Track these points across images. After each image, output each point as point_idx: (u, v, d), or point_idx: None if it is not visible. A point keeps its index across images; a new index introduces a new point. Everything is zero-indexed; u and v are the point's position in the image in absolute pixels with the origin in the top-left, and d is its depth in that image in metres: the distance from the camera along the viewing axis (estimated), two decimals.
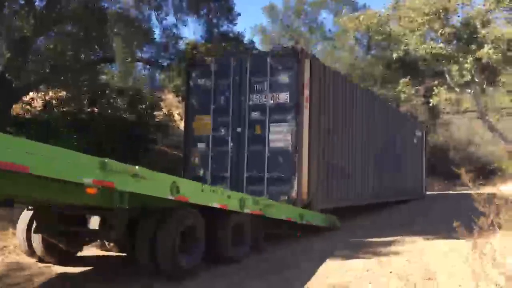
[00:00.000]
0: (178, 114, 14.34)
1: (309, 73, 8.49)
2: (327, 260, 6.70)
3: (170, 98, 16.21)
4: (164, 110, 14.85)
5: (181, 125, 14.55)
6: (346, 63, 23.28)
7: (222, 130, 8.96)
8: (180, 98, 14.11)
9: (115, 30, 11.69)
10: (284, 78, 8.50)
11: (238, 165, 8.76)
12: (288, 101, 8.42)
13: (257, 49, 15.70)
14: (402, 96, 21.17)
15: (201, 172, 9.08)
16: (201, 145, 9.17)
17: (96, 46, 12.92)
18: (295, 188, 8.23)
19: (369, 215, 10.90)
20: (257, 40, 29.06)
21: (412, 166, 15.54)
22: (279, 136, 8.47)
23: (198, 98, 9.31)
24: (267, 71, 8.61)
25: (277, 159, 8.44)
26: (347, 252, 7.19)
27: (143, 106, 14.00)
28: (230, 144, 8.84)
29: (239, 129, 8.80)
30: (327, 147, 9.19)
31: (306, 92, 8.44)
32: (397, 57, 19.98)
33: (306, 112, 8.43)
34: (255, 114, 8.70)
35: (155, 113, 14.24)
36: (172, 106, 15.71)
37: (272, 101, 8.56)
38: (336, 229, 8.87)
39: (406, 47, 19.42)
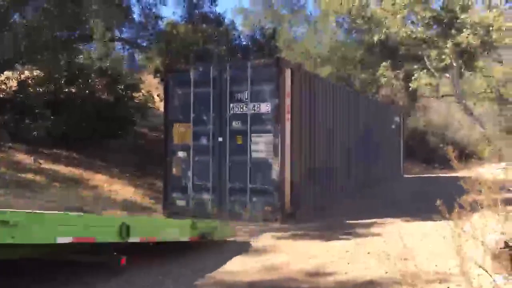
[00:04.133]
0: (158, 95, 14.16)
1: (290, 82, 8.44)
2: (309, 241, 6.77)
3: (149, 79, 15.98)
4: (144, 91, 14.63)
5: (161, 107, 14.42)
6: (327, 46, 23.25)
7: (203, 139, 8.88)
8: (159, 79, 13.94)
9: (93, 7, 11.42)
10: (265, 87, 8.41)
11: (221, 175, 8.71)
12: (269, 111, 8.35)
13: (237, 30, 15.60)
14: (382, 80, 21.32)
15: (183, 182, 9.00)
16: (181, 154, 9.07)
17: (73, 24, 12.61)
18: (278, 199, 8.22)
19: (349, 199, 11.02)
20: (238, 21, 28.84)
21: (391, 151, 15.94)
22: (261, 146, 8.42)
23: (177, 106, 9.15)
24: (248, 81, 8.51)
25: (259, 169, 8.40)
26: (327, 233, 7.27)
27: (122, 87, 13.76)
28: (212, 154, 8.77)
29: (220, 139, 8.72)
30: (309, 154, 9.22)
31: (288, 101, 8.39)
32: (378, 40, 20.04)
33: (287, 122, 8.40)
34: (236, 124, 8.61)
35: (134, 94, 14.02)
36: (151, 87, 15.49)
37: (253, 111, 8.48)
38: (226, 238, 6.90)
39: (387, 30, 19.48)
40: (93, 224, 4.28)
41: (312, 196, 9.37)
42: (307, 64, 20.28)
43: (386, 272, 4.98)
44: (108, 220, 4.86)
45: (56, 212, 5.25)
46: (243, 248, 6.37)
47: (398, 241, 6.59)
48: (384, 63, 21.10)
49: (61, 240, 3.84)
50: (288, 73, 8.45)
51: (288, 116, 8.41)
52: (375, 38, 20.04)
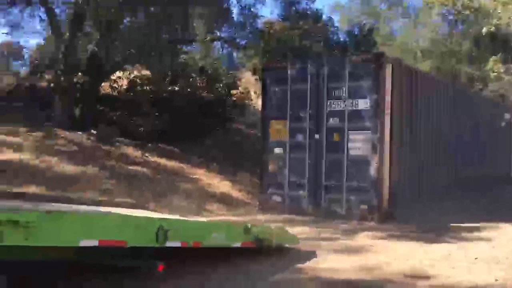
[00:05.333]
0: (255, 92, 14.46)
1: (390, 78, 8.19)
2: (407, 242, 6.54)
3: (247, 76, 16.36)
4: (241, 89, 15.02)
5: (258, 103, 14.71)
6: (428, 40, 22.15)
7: (299, 136, 8.88)
8: (257, 77, 14.21)
9: (196, 10, 11.97)
10: (363, 83, 8.23)
11: (316, 173, 8.66)
12: (368, 108, 8.16)
13: (335, 26, 15.42)
14: (491, 74, 19.86)
15: (279, 178, 9.07)
16: (277, 151, 9.14)
17: (177, 27, 13.31)
18: (376, 197, 8.02)
19: (453, 200, 10.43)
20: (335, 18, 28.44)
21: (499, 150, 14.81)
22: (359, 143, 8.26)
23: (274, 103, 9.24)
24: (346, 77, 8.38)
25: (357, 167, 8.24)
26: (428, 235, 6.96)
27: (221, 85, 14.25)
28: (308, 150, 8.75)
29: (317, 136, 8.67)
30: (409, 152, 8.89)
31: (387, 97, 8.15)
32: (487, 32, 18.69)
33: (387, 119, 8.15)
34: (333, 121, 8.52)
35: (232, 92, 14.45)
36: (249, 84, 15.85)
37: (351, 107, 8.33)
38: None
39: (497, 22, 18.10)
40: (125, 226, 3.81)
41: (412, 196, 9.01)
42: (407, 59, 19.48)
43: (496, 280, 4.65)
44: (143, 221, 4.23)
45: (81, 210, 4.90)
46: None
47: (508, 247, 6.19)
48: (493, 57, 19.64)
49: (85, 243, 3.40)
50: (388, 68, 8.20)
51: (387, 112, 8.16)
52: (484, 30, 18.71)
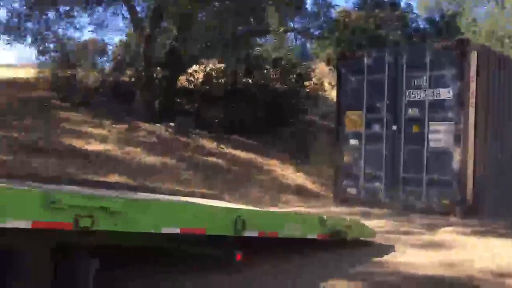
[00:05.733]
0: (329, 83, 14.28)
1: (475, 65, 7.73)
2: (494, 239, 6.18)
3: (320, 67, 16.19)
4: (315, 80, 14.89)
5: (332, 94, 14.51)
6: None
7: (376, 127, 8.66)
8: (331, 67, 14.02)
9: (269, 2, 11.99)
10: (446, 72, 7.86)
11: (394, 165, 8.42)
12: (451, 97, 7.78)
13: (414, 13, 14.80)
14: None
15: (354, 170, 8.92)
16: (353, 142, 8.98)
17: (251, 19, 13.42)
18: (459, 191, 7.66)
19: None
20: (414, 4, 27.31)
21: None
22: (440, 135, 7.91)
23: (350, 93, 9.08)
24: (426, 65, 8.02)
25: (438, 159, 7.91)
26: None
27: (294, 76, 14.20)
28: (385, 142, 8.51)
29: (394, 127, 8.41)
30: (496, 144, 8.38)
31: (472, 87, 7.72)
32: None
33: (471, 109, 7.73)
34: (412, 111, 8.22)
35: (306, 83, 14.36)
36: (323, 75, 15.68)
37: (432, 97, 7.99)
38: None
39: None
40: (204, 215, 3.96)
41: (499, 190, 8.47)
42: (494, 46, 18.30)
43: None
44: (222, 211, 4.38)
45: (162, 199, 5.01)
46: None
47: None
48: None
49: (167, 230, 3.57)
50: (473, 55, 7.75)
51: (472, 102, 7.73)
52: None
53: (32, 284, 3.07)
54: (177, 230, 3.61)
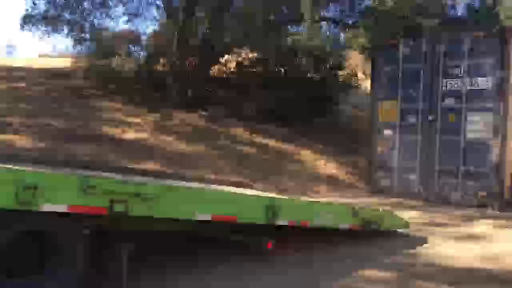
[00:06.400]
0: (363, 73, 14.08)
1: None
2: None
3: (354, 56, 15.94)
4: (348, 70, 14.70)
5: (365, 83, 14.30)
6: None
7: (411, 118, 8.51)
8: (365, 56, 13.78)
9: None
10: (484, 61, 7.68)
11: (429, 156, 8.28)
12: (489, 87, 7.59)
13: (453, 0, 14.32)
14: None
15: (388, 161, 8.81)
16: (387, 132, 8.85)
17: (284, 8, 13.32)
18: (497, 183, 7.47)
19: None
20: None
21: None
22: (478, 125, 7.74)
23: (384, 83, 8.95)
24: (465, 54, 7.84)
25: (475, 150, 7.75)
26: None
27: (328, 66, 14.04)
28: (420, 132, 8.36)
29: (430, 117, 8.25)
30: None
31: None
32: None
33: (511, 99, 7.50)
34: (449, 101, 8.05)
35: (339, 72, 14.19)
36: (356, 66, 15.47)
37: (469, 87, 7.80)
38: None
39: None
40: (236, 203, 4.02)
41: None
42: None
43: None
44: (253, 199, 4.46)
45: (195, 186, 5.03)
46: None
47: None
48: None
49: (200, 217, 3.63)
50: None
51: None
52: None
53: (68, 267, 3.16)
54: (209, 217, 3.69)
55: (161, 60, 14.25)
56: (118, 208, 3.15)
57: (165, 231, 3.97)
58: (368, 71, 10.79)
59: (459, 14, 14.10)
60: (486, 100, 7.65)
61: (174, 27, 12.87)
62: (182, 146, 10.13)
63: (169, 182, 5.26)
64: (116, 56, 13.71)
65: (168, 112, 12.02)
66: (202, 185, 5.71)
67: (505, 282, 4.14)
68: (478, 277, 4.28)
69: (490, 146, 7.57)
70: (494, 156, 7.53)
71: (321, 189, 9.32)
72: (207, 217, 3.68)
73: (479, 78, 7.74)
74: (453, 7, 14.31)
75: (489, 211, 7.42)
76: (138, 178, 5.04)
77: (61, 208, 2.95)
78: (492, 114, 7.57)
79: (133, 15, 14.41)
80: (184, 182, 5.74)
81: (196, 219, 3.63)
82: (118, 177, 4.77)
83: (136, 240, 3.49)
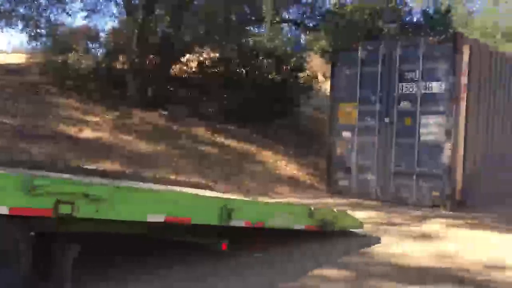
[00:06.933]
0: (323, 75, 14.28)
1: (468, 60, 7.78)
2: (483, 231, 6.28)
3: (314, 59, 16.16)
4: (308, 72, 14.88)
5: (325, 86, 14.51)
6: (510, 20, 20.73)
7: (369, 120, 8.70)
8: (325, 59, 14.00)
9: None
10: (438, 66, 7.91)
11: (385, 157, 8.48)
12: (442, 91, 7.84)
13: (408, 6, 14.78)
14: None
15: (347, 162, 8.97)
16: (346, 134, 9.02)
17: (245, 7, 13.34)
18: (449, 184, 7.74)
19: None
20: None
21: None
22: (431, 128, 7.98)
23: (344, 86, 9.10)
24: (420, 59, 8.07)
25: (429, 152, 7.98)
26: (505, 225, 6.63)
27: (289, 67, 14.16)
28: (377, 134, 8.56)
29: (387, 120, 8.46)
30: (486, 138, 8.47)
31: (464, 80, 7.77)
32: None
33: (462, 103, 7.79)
34: (404, 104, 8.27)
35: (300, 74, 14.34)
36: (317, 68, 15.67)
37: (424, 90, 8.04)
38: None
39: None
40: (190, 204, 3.96)
41: (488, 184, 8.57)
42: (486, 40, 18.38)
43: None
44: (207, 200, 4.42)
45: (151, 187, 4.98)
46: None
47: None
48: None
49: (152, 218, 3.54)
50: (465, 49, 7.79)
51: (463, 96, 7.79)
52: None
53: (12, 269, 3.04)
54: (162, 219, 3.60)
55: (121, 58, 13.99)
56: (64, 209, 3.03)
57: (116, 233, 3.85)
58: (328, 73, 10.95)
59: (415, 20, 14.55)
60: (439, 104, 7.91)
61: (133, 24, 12.65)
62: (141, 146, 9.98)
63: (124, 182, 5.17)
64: (73, 52, 13.34)
65: (127, 111, 11.81)
66: (158, 186, 5.64)
67: (457, 280, 4.30)
68: (431, 276, 4.42)
69: (443, 148, 7.83)
70: (446, 158, 7.79)
71: (282, 190, 9.40)
72: (160, 218, 3.59)
73: (433, 83, 7.99)
74: (410, 13, 14.77)
75: (442, 211, 7.68)
76: (92, 179, 4.93)
77: (2, 210, 2.81)
78: (445, 118, 7.83)
79: (91, 11, 14.04)
80: (141, 183, 5.66)
81: (148, 220, 3.54)
82: (67, 177, 4.65)
83: (84, 242, 3.38)
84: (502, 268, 4.68)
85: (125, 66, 13.49)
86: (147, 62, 13.25)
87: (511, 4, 21.05)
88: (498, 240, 5.88)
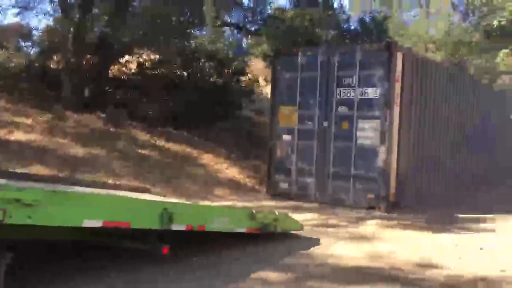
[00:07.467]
0: (264, 79, 14.43)
1: (401, 67, 8.14)
2: (415, 231, 6.57)
3: (256, 63, 16.31)
4: (250, 76, 14.99)
5: (267, 89, 14.67)
6: (441, 30, 21.89)
7: (308, 123, 8.89)
8: (267, 63, 14.15)
9: None
10: (374, 72, 8.20)
11: (324, 160, 8.68)
12: (378, 96, 8.15)
13: (346, 14, 15.30)
14: (502, 67, 19.66)
15: (287, 164, 9.10)
16: (286, 137, 9.16)
17: (186, 10, 13.24)
18: (383, 186, 8.04)
19: (462, 192, 10.44)
20: (347, 5, 28.13)
21: (508, 143, 14.73)
22: (367, 132, 8.25)
23: (284, 90, 9.24)
24: (356, 66, 8.35)
25: (365, 156, 8.25)
26: (435, 225, 6.98)
27: (230, 71, 14.20)
28: (316, 138, 8.76)
29: (325, 123, 8.68)
30: (418, 142, 8.87)
31: (398, 87, 8.12)
32: (498, 25, 18.44)
33: (396, 108, 8.12)
34: (342, 109, 8.52)
35: (242, 78, 14.42)
36: (258, 71, 15.81)
37: (360, 96, 8.33)
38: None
39: (509, 15, 17.85)
40: (129, 208, 3.82)
41: (420, 186, 9.00)
42: (418, 49, 19.31)
43: (503, 271, 4.67)
44: (148, 204, 4.28)
45: (87, 191, 4.83)
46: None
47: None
48: (504, 50, 19.42)
49: (89, 223, 3.39)
50: (399, 57, 8.15)
51: (397, 102, 8.13)
52: (495, 22, 18.48)
53: None
54: (100, 224, 3.47)
55: (55, 57, 13.45)
56: None
57: (52, 239, 3.72)
58: (269, 77, 11.07)
59: (352, 27, 15.06)
60: (375, 109, 8.21)
61: (69, 23, 12.21)
62: (77, 149, 9.61)
63: (59, 187, 4.97)
64: (4, 50, 12.68)
65: (62, 112, 11.36)
66: (96, 190, 5.47)
67: (393, 279, 4.47)
68: (369, 275, 4.57)
69: (378, 152, 8.13)
70: (381, 161, 8.10)
71: (223, 193, 9.38)
72: (97, 223, 3.46)
73: (369, 89, 8.28)
74: (348, 20, 15.28)
75: (377, 212, 7.96)
76: (24, 184, 4.70)
77: None
78: (380, 122, 8.14)
79: (23, 8, 13.43)
80: (77, 187, 5.46)
81: (85, 226, 3.40)
82: None
83: (17, 249, 3.23)
84: (431, 266, 4.92)
85: (60, 66, 12.99)
86: (84, 62, 12.83)
87: (442, 15, 22.24)
88: (428, 239, 6.18)
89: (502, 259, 5.14)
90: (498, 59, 19.67)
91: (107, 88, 13.40)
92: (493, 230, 6.76)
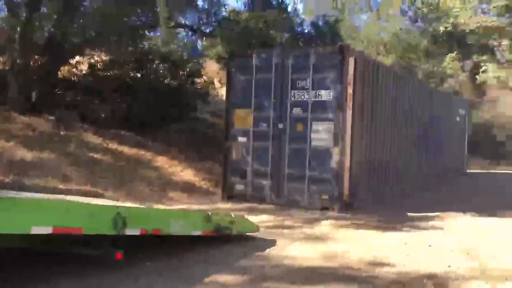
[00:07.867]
0: (219, 81, 14.40)
1: (353, 70, 8.33)
2: (367, 231, 6.72)
3: (210, 65, 16.25)
4: (205, 78, 14.91)
5: (222, 91, 14.64)
6: (390, 34, 22.61)
7: (263, 125, 8.94)
8: (221, 65, 14.13)
9: None
10: (327, 75, 8.37)
11: (279, 162, 8.75)
12: (331, 99, 8.31)
13: (300, 17, 15.53)
14: (448, 71, 20.52)
15: (242, 166, 9.11)
16: (241, 139, 9.17)
17: (139, 10, 13.02)
18: (337, 187, 8.19)
19: (411, 192, 10.78)
20: (300, 8, 28.53)
21: (454, 145, 15.43)
22: (321, 134, 8.39)
23: (239, 92, 9.26)
24: (310, 68, 8.48)
25: (319, 157, 8.38)
26: (386, 224, 7.17)
27: (185, 73, 14.08)
28: (271, 140, 8.82)
29: (280, 125, 8.76)
30: (370, 144, 9.11)
31: (350, 89, 8.30)
32: (445, 30, 19.26)
33: (349, 111, 8.30)
34: (296, 111, 8.62)
35: (196, 79, 14.32)
36: (213, 73, 15.76)
37: (314, 98, 8.46)
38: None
39: (454, 20, 18.68)
40: (80, 213, 3.71)
41: (372, 187, 9.24)
42: (370, 52, 19.85)
43: (449, 266, 4.86)
44: (100, 209, 4.18)
45: (36, 197, 4.71)
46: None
47: (460, 235, 6.48)
48: (450, 54, 20.29)
49: (37, 230, 3.25)
50: (351, 61, 8.33)
51: (350, 104, 8.30)
52: (442, 27, 19.28)
53: None
54: (49, 230, 3.34)
55: (1, 58, 12.90)
56: None
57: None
58: (224, 79, 11.07)
59: (306, 31, 15.28)
60: (328, 111, 8.36)
61: (16, 22, 11.74)
62: (24, 153, 9.24)
63: (4, 192, 4.77)
64: None
65: (7, 114, 10.89)
66: (45, 196, 5.28)
67: (346, 278, 4.54)
68: (323, 275, 4.63)
69: (331, 153, 8.28)
70: (334, 163, 8.25)
71: (178, 195, 9.27)
72: (47, 230, 3.32)
73: (323, 91, 8.43)
74: (301, 24, 15.50)
75: (331, 213, 8.10)
76: None
77: None
78: (333, 124, 8.29)
79: None
80: (25, 192, 5.25)
81: (33, 233, 3.26)
82: None
83: None
84: (383, 264, 5.05)
85: (7, 66, 12.46)
86: (32, 63, 12.37)
87: (392, 19, 22.95)
88: (380, 238, 6.34)
89: (449, 256, 5.35)
90: (444, 64, 20.55)
91: (56, 89, 12.96)
92: (441, 228, 7.02)
